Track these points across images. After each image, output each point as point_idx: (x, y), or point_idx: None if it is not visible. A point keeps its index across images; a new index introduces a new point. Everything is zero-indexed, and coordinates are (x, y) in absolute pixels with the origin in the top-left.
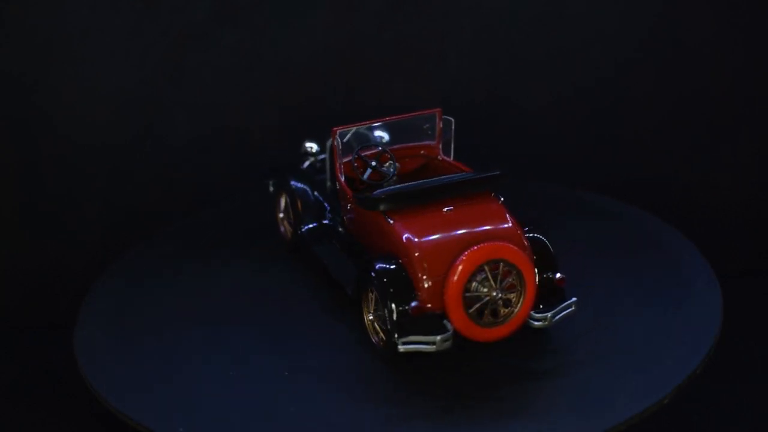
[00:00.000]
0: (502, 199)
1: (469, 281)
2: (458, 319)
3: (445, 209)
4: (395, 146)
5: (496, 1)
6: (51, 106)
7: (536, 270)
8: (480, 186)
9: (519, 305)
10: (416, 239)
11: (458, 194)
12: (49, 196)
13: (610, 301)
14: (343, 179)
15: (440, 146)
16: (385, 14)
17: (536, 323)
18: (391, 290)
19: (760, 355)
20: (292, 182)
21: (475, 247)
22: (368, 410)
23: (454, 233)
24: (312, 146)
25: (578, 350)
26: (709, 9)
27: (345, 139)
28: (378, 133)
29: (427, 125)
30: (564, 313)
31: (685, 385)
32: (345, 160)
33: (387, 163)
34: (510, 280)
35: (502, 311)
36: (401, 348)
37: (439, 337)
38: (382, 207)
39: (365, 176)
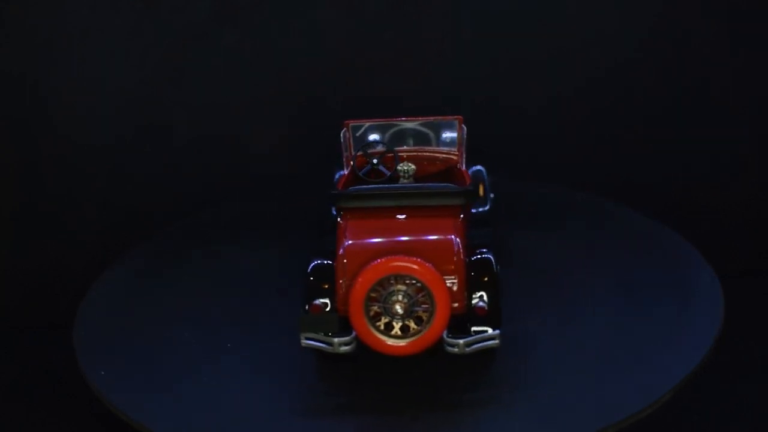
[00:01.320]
0: (461, 216)
1: (377, 291)
2: (359, 327)
3: (399, 217)
4: (414, 148)
5: (496, 1)
6: (51, 106)
7: (470, 293)
8: (439, 198)
9: (428, 325)
10: (348, 241)
11: (420, 204)
12: (49, 196)
13: (609, 301)
14: (345, 172)
15: (462, 155)
16: (385, 14)
17: (449, 348)
18: (312, 287)
19: (760, 355)
20: (337, 170)
21: (384, 258)
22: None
23: (384, 241)
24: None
25: (576, 349)
26: (709, 9)
27: (358, 134)
28: (394, 132)
29: (446, 132)
30: (483, 344)
31: (684, 386)
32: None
33: (391, 164)
34: (421, 297)
35: (412, 328)
36: (303, 343)
37: (336, 340)
38: (338, 203)
39: (362, 173)
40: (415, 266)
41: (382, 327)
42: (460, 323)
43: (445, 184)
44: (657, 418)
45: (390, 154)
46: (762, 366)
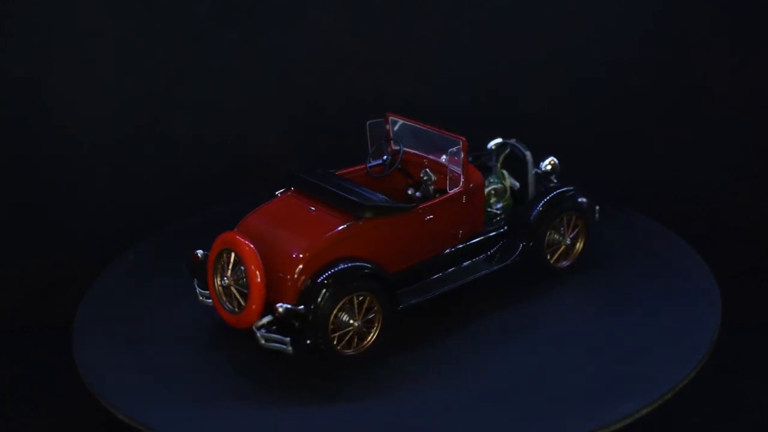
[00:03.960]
0: (346, 225)
1: (221, 261)
2: (210, 288)
3: (311, 208)
4: (435, 158)
5: (496, 0)
6: (52, 106)
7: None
8: (339, 203)
9: (244, 306)
10: (253, 213)
11: (336, 205)
12: (49, 196)
13: (609, 301)
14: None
15: (462, 176)
16: (385, 14)
17: (256, 337)
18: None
19: (759, 354)
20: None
21: (226, 233)
22: None
23: (268, 222)
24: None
25: (578, 349)
26: (709, 9)
27: (396, 128)
28: (421, 137)
29: (452, 148)
30: (275, 345)
31: (684, 385)
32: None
33: (412, 167)
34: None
35: (240, 304)
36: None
37: (199, 290)
38: (288, 182)
39: (369, 165)
40: (237, 248)
41: (223, 296)
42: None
43: (360, 192)
44: (657, 417)
45: (397, 155)
46: (761, 366)
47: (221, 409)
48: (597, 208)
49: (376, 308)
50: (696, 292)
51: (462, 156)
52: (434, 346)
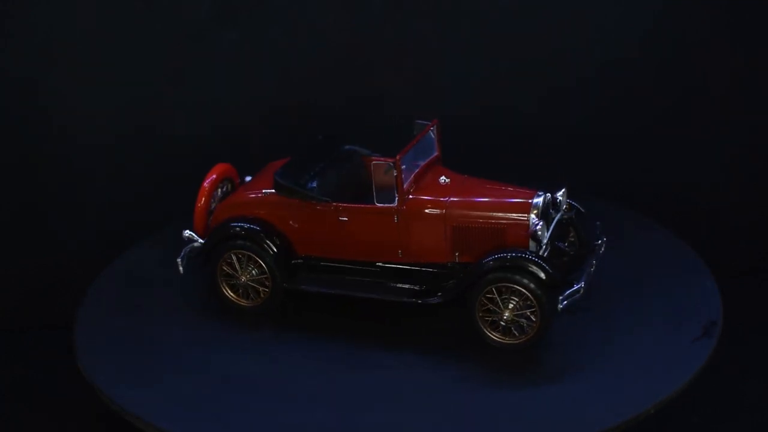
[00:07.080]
0: (263, 193)
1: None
2: None
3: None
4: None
5: (496, 1)
6: (51, 106)
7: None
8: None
9: None
10: (281, 160)
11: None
12: (48, 195)
13: (608, 302)
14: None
15: (396, 195)
16: (385, 14)
17: None
18: None
19: (759, 354)
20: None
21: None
22: None
23: (268, 169)
24: None
25: (578, 350)
26: (709, 9)
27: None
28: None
29: (381, 164)
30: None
31: (684, 387)
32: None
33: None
34: None
35: None
36: None
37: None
38: None
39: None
40: (205, 183)
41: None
42: None
43: (294, 170)
44: (657, 418)
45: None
46: (762, 366)
47: (224, 405)
48: (562, 299)
49: (267, 276)
50: (696, 292)
51: (395, 175)
52: (432, 343)
